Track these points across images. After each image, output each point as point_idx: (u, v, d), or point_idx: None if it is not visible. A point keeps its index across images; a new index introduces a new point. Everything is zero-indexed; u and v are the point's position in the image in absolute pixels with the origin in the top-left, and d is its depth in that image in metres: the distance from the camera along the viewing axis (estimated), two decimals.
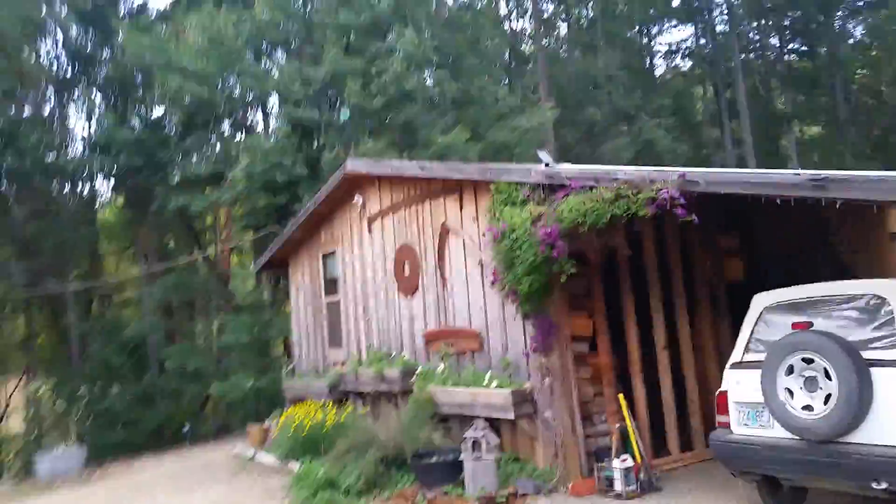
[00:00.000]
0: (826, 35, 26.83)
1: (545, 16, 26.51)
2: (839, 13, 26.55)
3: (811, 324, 5.19)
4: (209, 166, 17.66)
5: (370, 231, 10.40)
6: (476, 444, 7.22)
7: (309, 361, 12.43)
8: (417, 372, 8.83)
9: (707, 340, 8.79)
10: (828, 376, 4.81)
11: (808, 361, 4.93)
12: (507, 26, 25.43)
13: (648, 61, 28.91)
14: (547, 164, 7.01)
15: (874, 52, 26.91)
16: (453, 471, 7.42)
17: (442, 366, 8.54)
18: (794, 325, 5.25)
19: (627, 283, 8.05)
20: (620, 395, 7.31)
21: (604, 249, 6.75)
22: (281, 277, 16.24)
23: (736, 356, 5.73)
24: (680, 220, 5.64)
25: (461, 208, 8.47)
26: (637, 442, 7.08)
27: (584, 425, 7.40)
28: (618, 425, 7.16)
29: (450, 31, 18.62)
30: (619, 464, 6.81)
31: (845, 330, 4.97)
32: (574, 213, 6.28)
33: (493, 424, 7.55)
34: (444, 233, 8.73)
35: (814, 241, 9.59)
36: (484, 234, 7.73)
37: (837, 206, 4.83)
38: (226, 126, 19.19)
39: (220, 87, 17.34)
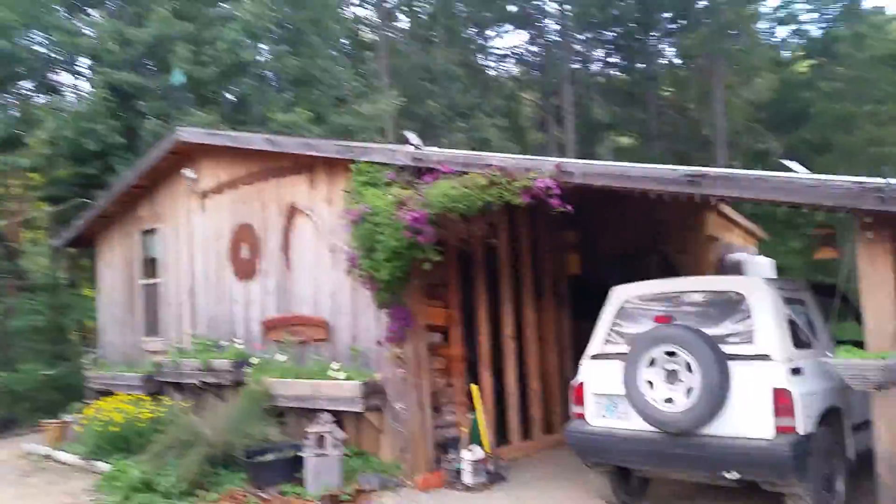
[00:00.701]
0: (643, 53, 29.02)
1: (387, 4, 26.15)
2: (655, 33, 28.81)
3: (673, 318, 5.31)
4: (4, 128, 15.29)
5: (203, 208, 9.45)
6: (321, 440, 6.73)
7: (117, 350, 11.13)
8: (252, 362, 8.13)
9: (549, 332, 8.94)
10: (689, 369, 4.92)
11: (671, 354, 5.03)
12: (350, 11, 24.76)
13: (484, 62, 29.56)
14: (415, 146, 6.67)
15: (682, 73, 29.50)
16: (291, 468, 6.87)
17: (282, 355, 7.91)
18: (657, 319, 5.34)
19: (482, 273, 7.95)
20: (474, 386, 7.17)
21: (470, 238, 6.54)
22: (85, 256, 14.46)
23: (594, 348, 5.75)
24: (553, 210, 5.55)
25: (312, 188, 7.89)
26: (486, 433, 6.97)
27: (433, 417, 7.18)
28: (470, 416, 7.01)
29: (292, 5, 17.66)
30: (468, 455, 6.65)
31: (705, 324, 5.13)
32: (445, 199, 6.00)
33: (337, 418, 7.10)
34: (292, 213, 8.10)
35: (646, 243, 10.14)
36: (340, 217, 7.23)
37: (700, 199, 4.94)
38: (28, 85, 16.78)
39: (23, 40, 15.11)
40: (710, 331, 5.04)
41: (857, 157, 22.92)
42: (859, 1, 28.17)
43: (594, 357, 5.72)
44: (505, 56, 30.38)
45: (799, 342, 5.07)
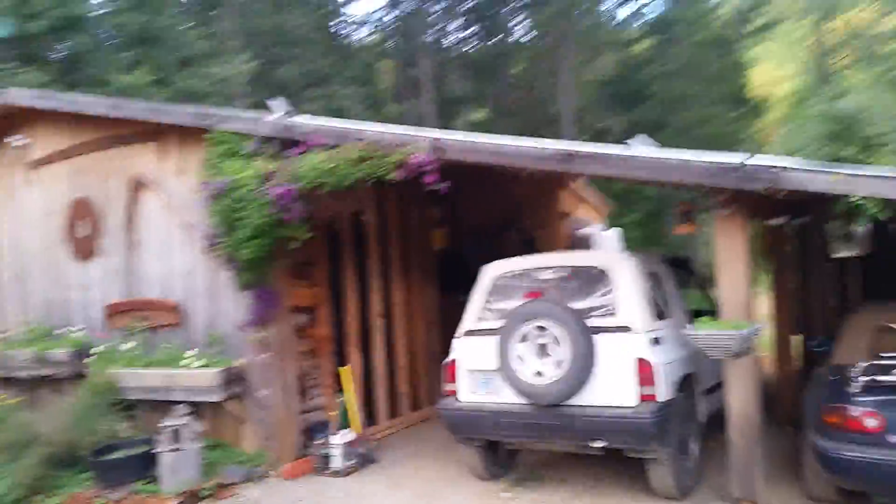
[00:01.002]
0: (496, 27, 29.48)
1: None
2: (507, 8, 29.33)
3: (542, 293, 5.40)
4: None
5: (33, 181, 8.46)
6: (176, 433, 6.27)
7: None
8: (95, 351, 7.42)
9: (417, 308, 8.90)
10: (558, 343, 5.02)
11: (541, 329, 5.11)
12: None
13: (340, 27, 28.77)
14: (283, 114, 6.27)
15: (532, 50, 30.31)
16: (144, 465, 6.35)
17: (128, 344, 7.28)
18: (527, 294, 5.41)
19: (350, 250, 7.72)
20: (346, 368, 6.96)
21: (339, 214, 6.29)
22: None
23: (467, 325, 5.75)
24: (428, 186, 5.43)
25: (161, 159, 7.24)
26: (356, 415, 6.82)
27: (300, 401, 6.91)
28: (340, 399, 6.82)
29: None
30: (338, 439, 6.48)
31: (571, 299, 5.25)
32: (315, 173, 5.71)
33: (195, 409, 6.65)
34: (137, 187, 7.41)
35: (507, 219, 10.32)
36: (194, 191, 6.69)
37: (571, 176, 5.01)
38: None
39: None
40: (576, 305, 5.17)
41: (690, 135, 24.70)
42: None
43: (467, 334, 5.71)
44: (364, 23, 29.77)
45: (657, 313, 5.32)
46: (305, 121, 6.25)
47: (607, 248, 12.99)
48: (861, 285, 8.83)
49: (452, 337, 5.85)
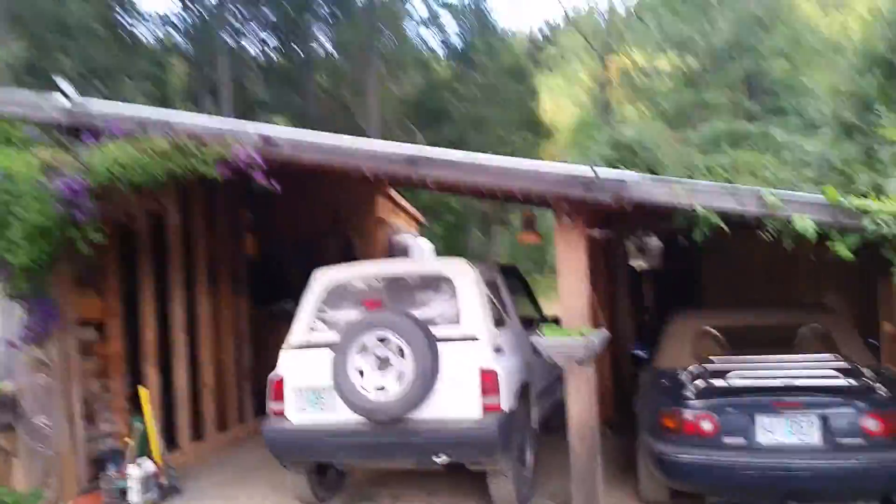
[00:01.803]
0: (299, 37, 28.78)
1: None
2: (310, 18, 28.79)
3: (382, 302, 5.04)
4: None
5: None
6: None
7: None
8: None
9: (225, 321, 8.09)
10: (402, 355, 4.70)
11: (383, 340, 4.75)
12: None
13: (129, 21, 26.30)
14: (69, 97, 5.31)
15: (338, 63, 30.03)
16: None
17: None
18: (366, 303, 5.02)
19: (148, 256, 6.79)
20: (143, 389, 6.05)
21: (137, 216, 5.45)
22: None
23: (295, 337, 5.22)
24: (255, 187, 4.86)
25: None
26: (156, 442, 5.95)
27: (86, 429, 5.91)
28: (137, 424, 5.91)
29: None
30: (136, 471, 5.60)
31: (413, 308, 4.96)
32: (114, 167, 4.89)
33: None
34: None
35: (327, 225, 9.87)
36: None
37: (417, 180, 4.73)
38: None
39: None
40: (419, 314, 4.89)
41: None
42: (489, 16, 31.70)
43: (295, 347, 5.18)
44: (154, 18, 27.56)
45: (497, 321, 5.20)
46: (102, 106, 5.37)
47: (424, 257, 12.96)
48: (655, 296, 9.56)
49: (264, 352, 5.28)
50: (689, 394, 4.39)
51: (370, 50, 27.34)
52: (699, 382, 4.41)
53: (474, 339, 4.80)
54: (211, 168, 4.88)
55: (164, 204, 6.58)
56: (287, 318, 9.81)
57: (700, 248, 8.57)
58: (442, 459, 4.69)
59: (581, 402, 4.70)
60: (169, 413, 7.00)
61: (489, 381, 4.70)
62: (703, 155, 16.37)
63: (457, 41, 32.02)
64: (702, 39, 18.54)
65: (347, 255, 10.28)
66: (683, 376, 4.62)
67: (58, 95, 5.40)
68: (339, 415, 4.87)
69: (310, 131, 5.05)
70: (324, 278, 5.39)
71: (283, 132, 4.97)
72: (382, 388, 4.72)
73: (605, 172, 4.35)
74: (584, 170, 4.38)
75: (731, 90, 22.93)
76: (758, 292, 7.68)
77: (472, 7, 31.07)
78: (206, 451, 7.36)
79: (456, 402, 4.71)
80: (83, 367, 5.92)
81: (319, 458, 5.13)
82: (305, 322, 5.27)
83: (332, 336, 5.01)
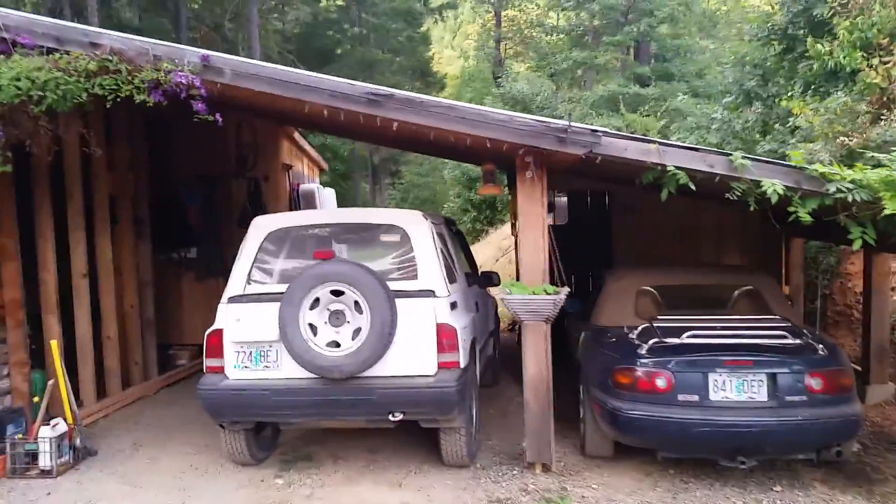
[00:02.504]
0: None
1: None
2: None
3: (333, 253, 4.77)
4: None
5: None
6: None
7: None
8: None
9: (127, 265, 7.46)
10: (358, 310, 4.49)
11: (337, 294, 4.51)
12: None
13: None
14: None
15: None
16: None
17: None
18: (317, 254, 4.72)
19: (46, 191, 6.08)
20: (54, 342, 5.45)
21: (40, 143, 4.79)
22: None
23: (235, 288, 4.85)
24: (196, 117, 4.39)
25: None
26: (68, 399, 5.42)
27: None
28: (51, 381, 5.34)
29: None
30: (49, 432, 5.08)
31: (365, 260, 4.73)
32: (24, 85, 4.24)
33: None
34: None
35: (231, 166, 9.28)
36: None
37: (379, 123, 4.46)
38: None
39: None
40: (375, 266, 4.67)
41: None
42: None
43: (233, 300, 4.82)
44: None
45: (450, 276, 5.08)
46: (12, 15, 4.62)
47: (328, 206, 12.53)
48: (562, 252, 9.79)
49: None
50: (642, 352, 4.49)
51: None
52: (652, 341, 4.52)
53: (432, 293, 4.66)
54: (143, 93, 4.36)
55: (67, 129, 5.82)
56: (190, 266, 9.31)
57: (608, 207, 8.90)
58: (397, 417, 4.57)
59: (537, 358, 4.72)
60: (72, 369, 6.40)
61: (447, 337, 4.59)
62: (598, 116, 16.77)
63: None
64: None
65: (255, 199, 9.74)
66: (633, 335, 4.72)
67: None
68: (287, 371, 4.62)
69: (251, 60, 4.61)
70: (263, 226, 5.02)
71: (225, 58, 4.49)
72: (337, 344, 4.51)
73: (578, 125, 4.28)
74: (555, 121, 4.29)
75: (623, 54, 23.62)
76: (666, 251, 8.04)
77: None
78: (112, 408, 6.84)
79: (412, 358, 4.58)
80: None
81: (263, 418, 4.85)
82: (242, 273, 4.89)
83: (277, 288, 4.72)
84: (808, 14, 9.04)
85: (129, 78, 4.35)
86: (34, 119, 4.48)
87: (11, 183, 5.57)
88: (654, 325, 4.73)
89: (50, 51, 4.46)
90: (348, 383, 4.51)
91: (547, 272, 4.71)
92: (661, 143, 4.31)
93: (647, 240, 8.26)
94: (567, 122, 4.24)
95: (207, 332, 4.81)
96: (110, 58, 4.35)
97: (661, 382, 4.39)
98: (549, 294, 4.43)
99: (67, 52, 4.44)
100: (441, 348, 4.59)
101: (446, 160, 26.57)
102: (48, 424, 5.11)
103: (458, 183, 22.36)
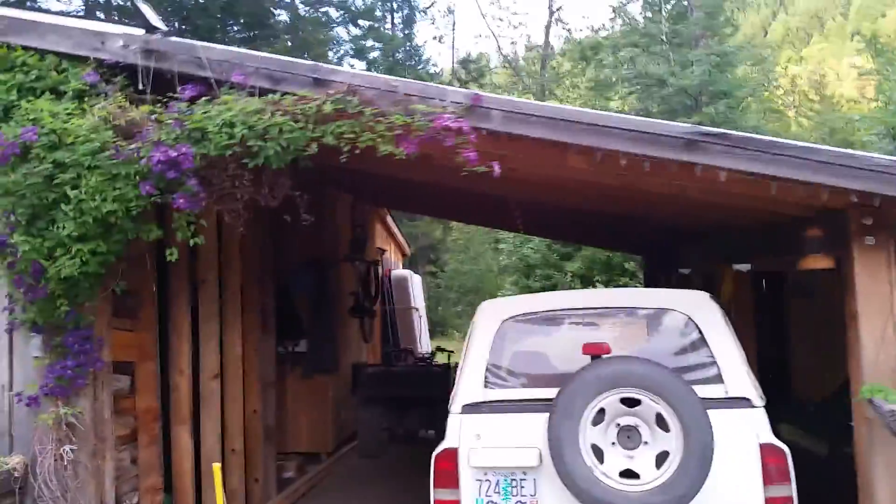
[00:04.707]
0: None
1: None
2: None
3: (608, 347, 3.61)
4: None
5: None
6: None
7: None
8: None
9: (252, 365, 6.30)
10: (662, 426, 3.30)
11: (631, 404, 3.34)
12: None
13: None
14: (152, 27, 3.61)
15: None
16: None
17: None
18: (587, 349, 3.56)
19: (185, 272, 5.04)
20: (216, 466, 4.23)
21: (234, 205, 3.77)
22: None
23: (470, 393, 3.67)
24: (466, 169, 3.35)
25: None
26: None
27: None
28: None
29: None
30: None
31: (649, 356, 3.56)
32: (237, 132, 3.26)
33: None
34: None
35: (344, 247, 8.28)
36: None
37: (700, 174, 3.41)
38: None
39: None
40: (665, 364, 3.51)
41: None
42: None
43: (471, 408, 3.64)
44: None
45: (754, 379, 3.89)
46: (212, 45, 3.69)
47: (418, 295, 11.51)
48: None
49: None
50: None
51: None
52: None
53: (747, 402, 3.47)
54: (389, 143, 3.33)
55: (274, 190, 4.66)
56: (297, 361, 8.12)
57: None
58: None
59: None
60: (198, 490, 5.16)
61: (776, 463, 3.37)
62: None
63: None
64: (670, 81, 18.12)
65: (366, 285, 8.71)
66: None
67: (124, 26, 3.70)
68: None
69: (520, 99, 3.62)
70: (499, 311, 3.89)
71: (495, 99, 3.48)
72: (633, 475, 3.30)
73: None
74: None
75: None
76: None
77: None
78: None
79: (725, 493, 3.35)
80: (116, 432, 4.10)
81: None
82: (476, 372, 3.74)
83: (529, 394, 3.57)
84: None
85: (371, 124, 3.34)
86: (231, 178, 3.48)
87: (152, 263, 4.52)
88: None
89: (263, 92, 3.49)
90: None
91: None
92: None
93: None
94: None
95: (436, 453, 3.60)
96: (349, 98, 3.35)
97: None
98: None
99: (284, 94, 3.46)
100: (768, 479, 3.36)
101: (498, 246, 25.56)
102: None
103: (516, 270, 21.32)
